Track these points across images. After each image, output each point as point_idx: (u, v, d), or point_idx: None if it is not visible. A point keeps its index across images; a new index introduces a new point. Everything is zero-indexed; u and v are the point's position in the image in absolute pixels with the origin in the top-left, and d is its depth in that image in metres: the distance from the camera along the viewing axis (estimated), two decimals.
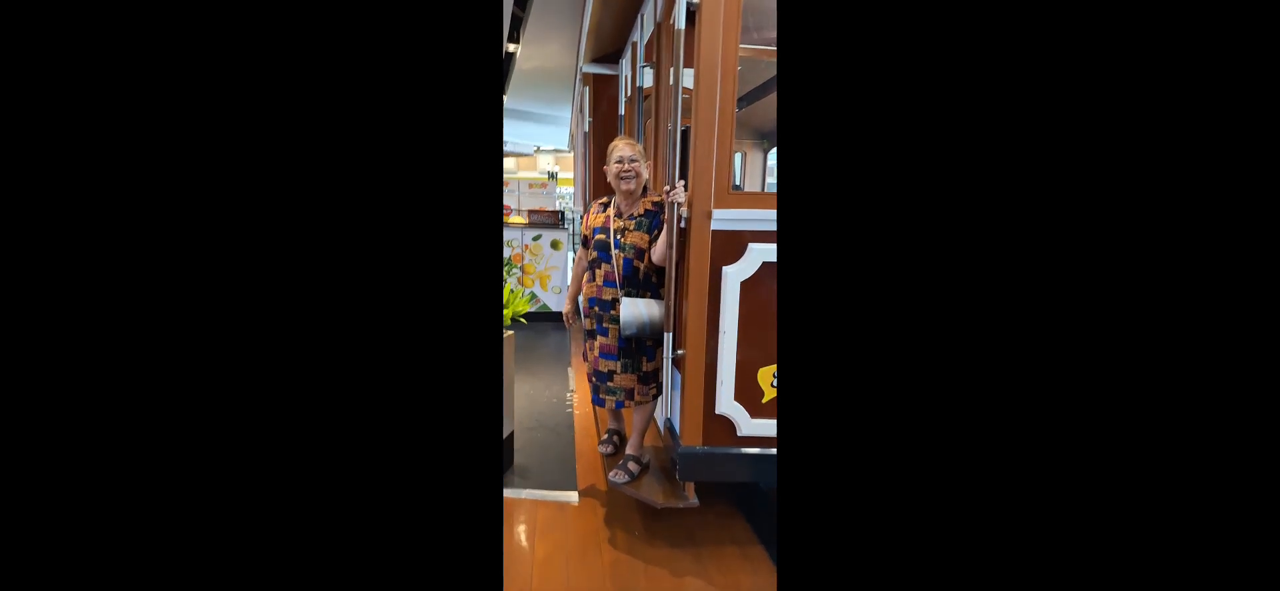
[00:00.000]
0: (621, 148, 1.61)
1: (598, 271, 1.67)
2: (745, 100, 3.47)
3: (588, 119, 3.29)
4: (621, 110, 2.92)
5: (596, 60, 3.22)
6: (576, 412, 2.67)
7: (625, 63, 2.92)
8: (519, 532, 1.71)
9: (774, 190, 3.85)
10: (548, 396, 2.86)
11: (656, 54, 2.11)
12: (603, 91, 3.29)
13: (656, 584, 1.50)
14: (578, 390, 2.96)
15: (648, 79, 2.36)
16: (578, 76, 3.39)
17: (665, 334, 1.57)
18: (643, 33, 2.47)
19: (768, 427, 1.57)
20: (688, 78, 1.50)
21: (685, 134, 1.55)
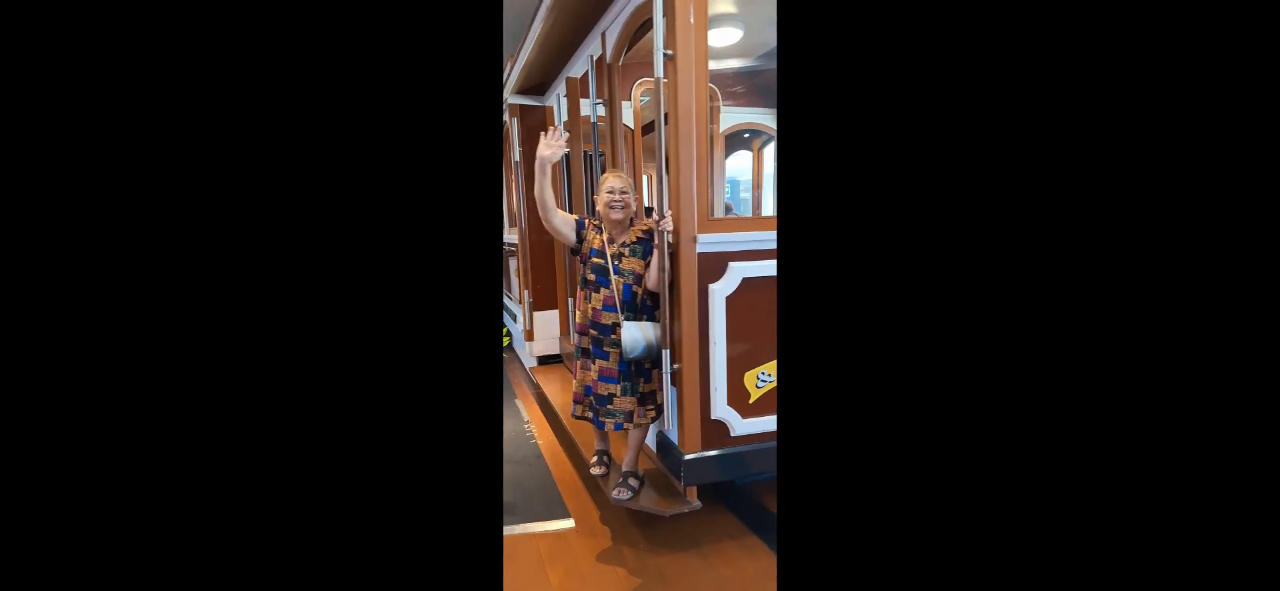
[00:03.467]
0: (611, 180, 1.71)
1: (595, 295, 1.75)
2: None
3: (518, 147, 3.30)
4: None
5: (522, 91, 3.26)
6: (541, 442, 2.66)
7: (556, 95, 3.00)
8: (529, 566, 1.71)
9: (739, 214, 4.08)
10: (506, 431, 2.81)
11: (609, 91, 2.24)
12: (526, 120, 3.34)
13: (676, 587, 1.60)
14: (533, 420, 2.95)
15: (587, 109, 2.48)
16: (505, 107, 3.39)
17: (664, 351, 1.69)
18: (578, 69, 2.59)
19: (756, 426, 1.75)
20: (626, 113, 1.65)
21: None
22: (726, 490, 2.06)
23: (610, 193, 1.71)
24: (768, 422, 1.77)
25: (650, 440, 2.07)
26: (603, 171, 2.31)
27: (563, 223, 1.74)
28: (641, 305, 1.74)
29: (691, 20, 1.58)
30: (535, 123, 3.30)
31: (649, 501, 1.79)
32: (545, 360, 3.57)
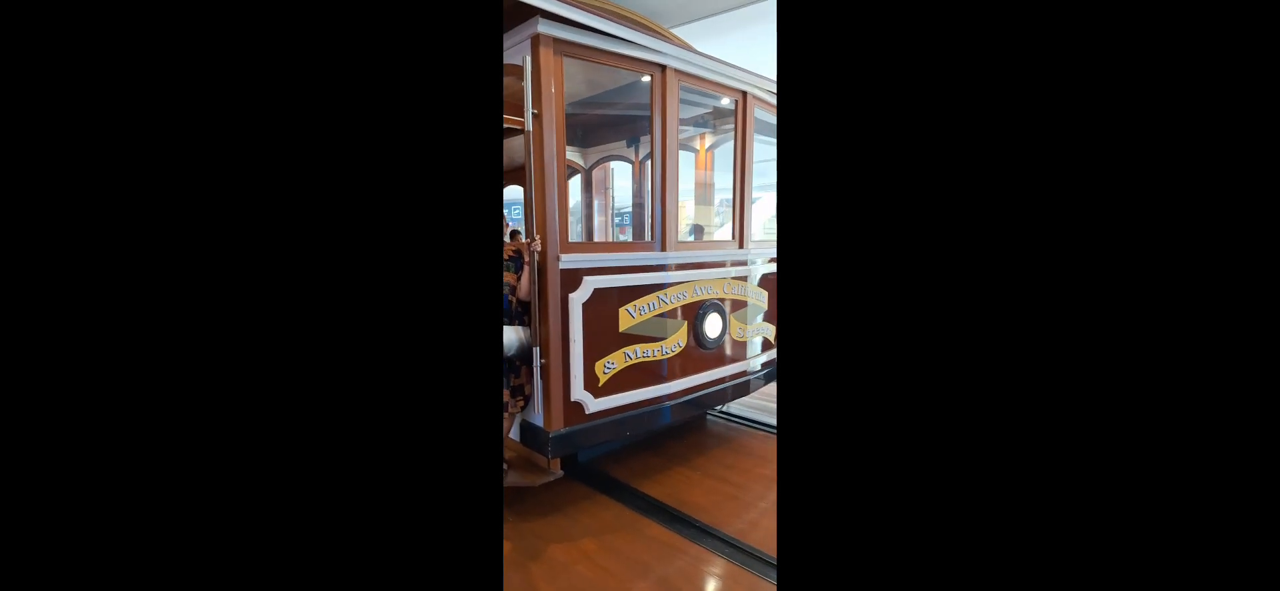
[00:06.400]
0: None
1: None
2: None
3: None
4: None
5: None
6: None
7: None
8: None
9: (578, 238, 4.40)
10: None
11: None
12: None
13: (551, 540, 1.97)
14: None
15: None
16: None
17: (534, 348, 2.06)
18: None
19: (604, 404, 2.24)
20: None
21: None
22: (573, 463, 2.49)
23: None
24: (613, 400, 2.27)
25: (512, 433, 2.39)
26: None
27: None
28: (514, 312, 2.09)
29: (552, 90, 2.03)
30: None
31: (519, 478, 2.12)
32: None
